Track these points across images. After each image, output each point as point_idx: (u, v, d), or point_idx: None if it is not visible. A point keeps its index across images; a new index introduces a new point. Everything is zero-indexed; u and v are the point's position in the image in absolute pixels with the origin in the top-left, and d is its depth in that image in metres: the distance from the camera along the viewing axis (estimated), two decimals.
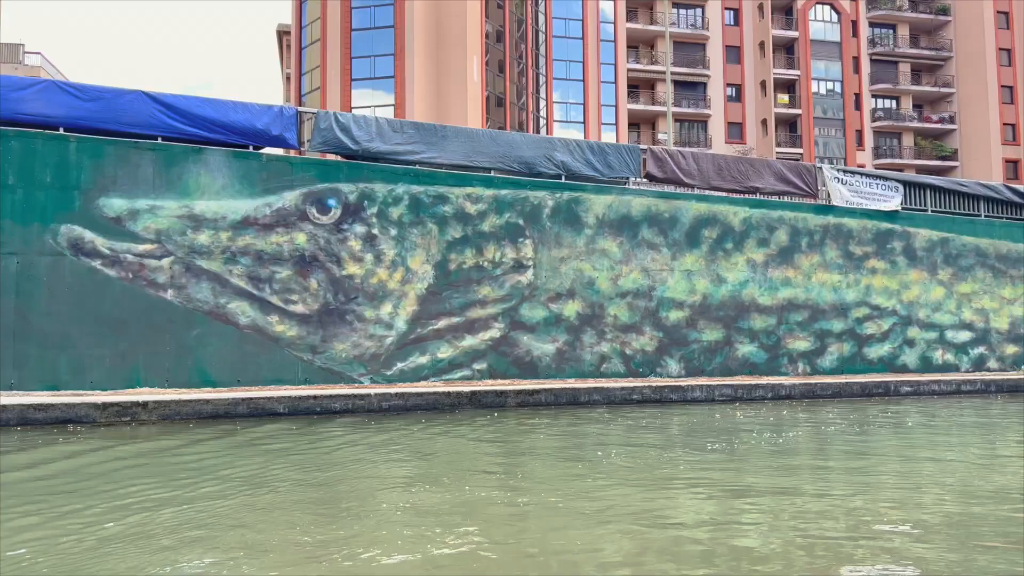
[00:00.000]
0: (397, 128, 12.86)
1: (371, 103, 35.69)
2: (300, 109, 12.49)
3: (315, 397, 10.31)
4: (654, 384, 12.52)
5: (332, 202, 12.25)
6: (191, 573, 3.62)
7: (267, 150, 12.27)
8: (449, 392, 10.99)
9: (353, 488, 5.82)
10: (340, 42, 35.62)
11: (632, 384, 12.43)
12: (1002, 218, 17.19)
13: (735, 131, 51.71)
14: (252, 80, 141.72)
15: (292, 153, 13.48)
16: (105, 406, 9.21)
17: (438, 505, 5.12)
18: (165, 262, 11.10)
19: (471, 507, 5.10)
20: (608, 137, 46.46)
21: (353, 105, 35.31)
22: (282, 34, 49.35)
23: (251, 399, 9.93)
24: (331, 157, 12.87)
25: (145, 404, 9.39)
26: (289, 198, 11.96)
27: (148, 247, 11.04)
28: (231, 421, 9.44)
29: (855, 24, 52.45)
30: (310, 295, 11.93)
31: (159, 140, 11.32)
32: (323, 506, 5.15)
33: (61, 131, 10.80)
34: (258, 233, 11.72)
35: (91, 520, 4.57)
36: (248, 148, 11.89)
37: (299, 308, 11.85)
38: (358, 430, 8.86)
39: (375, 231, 12.42)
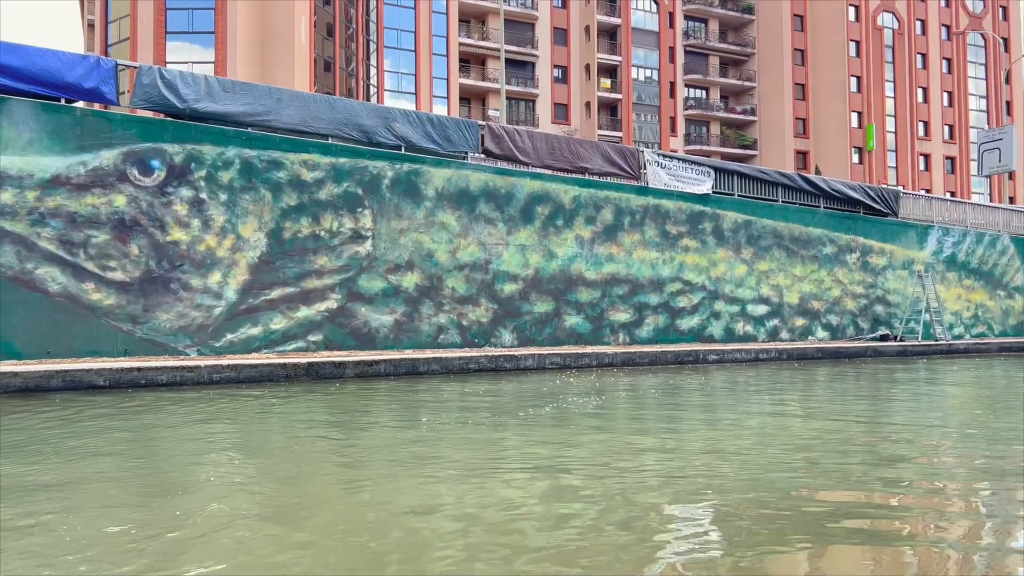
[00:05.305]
0: (229, 88, 12.26)
1: (188, 59, 33.41)
2: (120, 62, 11.59)
3: (139, 369, 9.76)
4: (490, 354, 12.93)
5: (155, 163, 11.54)
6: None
7: (81, 104, 11.31)
8: (285, 364, 10.78)
9: (179, 465, 5.67)
10: None
11: (469, 354, 12.76)
12: (796, 204, 19.16)
13: (561, 112, 53.40)
14: (46, 26, 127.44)
15: (111, 109, 12.49)
16: None
17: (269, 478, 5.12)
18: None
19: (304, 479, 5.15)
20: (440, 110, 46.38)
21: (168, 60, 32.89)
22: None
23: (67, 371, 9.23)
24: (153, 115, 12.08)
25: None
26: (107, 157, 11.13)
27: None
28: (43, 395, 8.75)
29: (672, 16, 55.62)
30: (130, 262, 11.22)
31: None
32: (147, 487, 5.00)
33: None
34: (71, 194, 10.83)
35: None
36: (59, 101, 10.91)
37: (118, 275, 11.11)
38: (187, 404, 8.52)
39: (203, 195, 11.85)
